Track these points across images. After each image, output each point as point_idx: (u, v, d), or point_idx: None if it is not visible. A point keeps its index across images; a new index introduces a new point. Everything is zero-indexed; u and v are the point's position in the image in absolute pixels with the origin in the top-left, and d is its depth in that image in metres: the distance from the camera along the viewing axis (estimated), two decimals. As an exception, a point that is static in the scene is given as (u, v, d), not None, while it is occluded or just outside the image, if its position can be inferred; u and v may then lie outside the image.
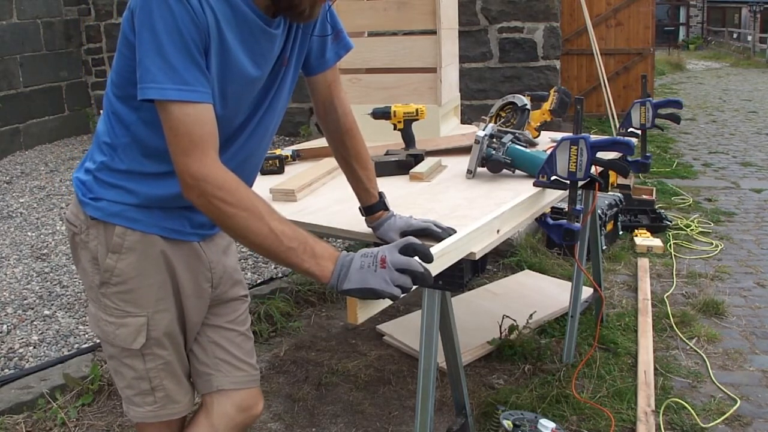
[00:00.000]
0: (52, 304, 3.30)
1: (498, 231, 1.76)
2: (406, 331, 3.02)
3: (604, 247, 3.99)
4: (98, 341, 2.85)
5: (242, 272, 3.65)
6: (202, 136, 1.21)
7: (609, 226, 4.19)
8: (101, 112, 1.43)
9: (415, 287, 1.24)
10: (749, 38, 21.34)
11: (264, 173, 2.50)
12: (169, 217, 1.40)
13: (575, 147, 2.01)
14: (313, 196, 2.20)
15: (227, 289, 1.60)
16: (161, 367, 1.47)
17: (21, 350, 2.85)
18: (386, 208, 1.72)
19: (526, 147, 2.33)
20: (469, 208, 1.97)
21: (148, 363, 1.45)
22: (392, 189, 2.00)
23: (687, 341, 3.00)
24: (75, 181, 1.45)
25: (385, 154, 2.54)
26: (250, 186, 1.48)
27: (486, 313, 3.15)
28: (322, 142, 2.79)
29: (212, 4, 1.23)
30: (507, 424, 2.18)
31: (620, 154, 2.39)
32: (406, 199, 2.09)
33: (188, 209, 1.40)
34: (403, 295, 1.23)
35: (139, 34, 1.20)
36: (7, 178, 5.75)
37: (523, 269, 3.78)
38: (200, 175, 1.20)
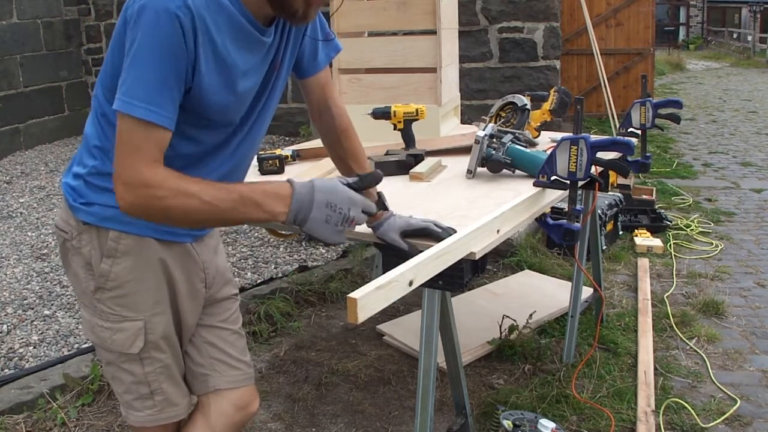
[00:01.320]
0: (52, 304, 3.30)
1: (498, 231, 1.76)
2: (406, 331, 3.02)
3: (604, 247, 3.99)
4: (98, 341, 2.85)
5: (242, 272, 3.67)
6: (143, 151, 1.21)
7: (609, 226, 4.19)
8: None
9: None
10: (749, 38, 21.34)
11: (264, 173, 2.50)
12: None
13: (575, 147, 2.01)
14: (313, 196, 2.19)
15: (219, 289, 1.61)
16: (160, 371, 1.47)
17: (21, 350, 2.85)
18: (385, 208, 1.72)
19: (526, 147, 2.33)
20: (469, 208, 1.97)
21: (147, 367, 1.45)
22: (392, 189, 1.99)
23: (687, 341, 3.00)
24: (64, 186, 1.44)
25: (385, 154, 2.54)
26: None
27: (486, 313, 3.15)
28: (321, 142, 2.79)
29: (207, 16, 1.22)
30: (507, 424, 2.18)
31: (620, 154, 2.39)
32: (406, 199, 2.09)
33: None
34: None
35: (128, 45, 1.21)
36: (7, 178, 5.75)
37: (523, 269, 3.78)
38: (129, 181, 1.20)
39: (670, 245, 4.20)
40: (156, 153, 1.22)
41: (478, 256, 1.62)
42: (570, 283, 2.84)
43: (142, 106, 1.19)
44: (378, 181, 1.39)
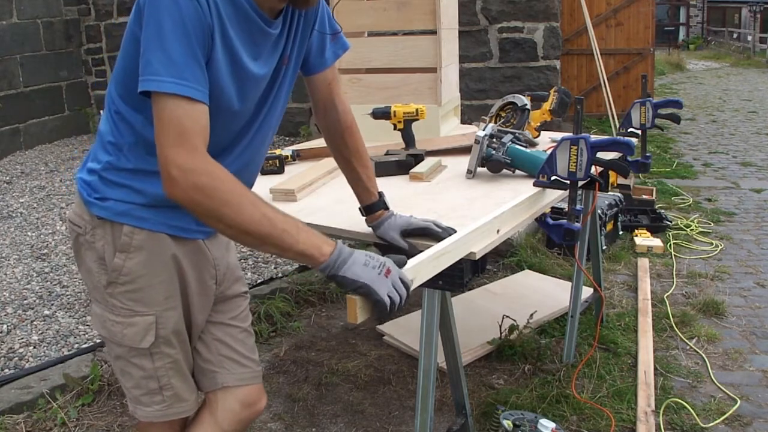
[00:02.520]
0: (52, 304, 3.30)
1: (498, 231, 1.76)
2: (406, 331, 3.02)
3: (604, 247, 3.99)
4: (98, 341, 2.85)
5: (242, 272, 3.66)
6: (193, 130, 1.19)
7: (609, 226, 4.19)
8: (101, 111, 1.43)
9: (396, 304, 1.27)
10: (749, 38, 21.34)
11: (264, 173, 2.50)
12: (176, 215, 1.40)
13: (575, 147, 2.01)
14: (313, 196, 2.20)
15: (229, 286, 1.61)
16: (169, 366, 1.47)
17: (21, 350, 2.85)
18: (386, 207, 1.72)
19: (526, 147, 2.33)
20: (469, 208, 1.97)
21: (157, 362, 1.45)
22: (392, 189, 2.00)
23: (687, 341, 3.00)
24: (79, 181, 1.44)
25: (385, 154, 2.54)
26: (251, 188, 1.49)
27: (486, 313, 3.15)
28: (322, 142, 2.79)
29: (220, 6, 1.23)
30: (507, 424, 2.18)
31: (620, 154, 2.39)
32: (406, 199, 2.09)
33: None
34: (388, 309, 1.25)
35: (145, 28, 1.20)
36: (7, 178, 5.75)
37: (523, 269, 3.78)
38: (188, 166, 1.17)
39: (670, 245, 4.20)
40: (204, 135, 1.20)
41: (478, 256, 1.62)
42: (570, 283, 2.84)
43: (172, 81, 1.17)
44: (402, 264, 1.35)
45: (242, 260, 3.80)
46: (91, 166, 1.42)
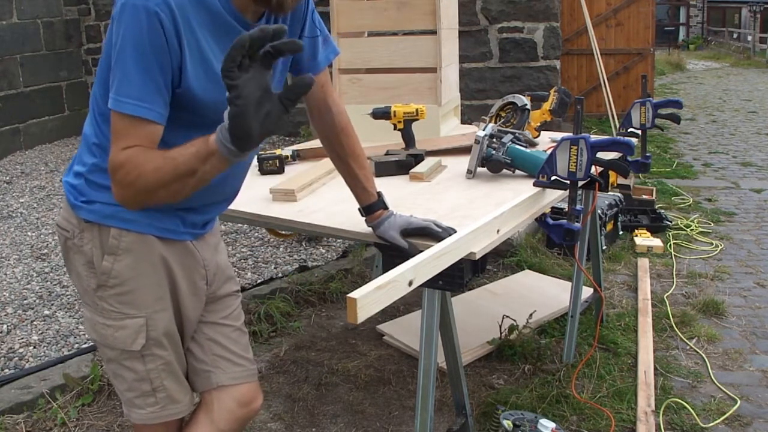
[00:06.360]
0: (52, 304, 3.30)
1: (498, 231, 1.76)
2: (406, 331, 3.02)
3: (604, 247, 3.99)
4: (98, 341, 2.85)
5: (242, 272, 3.67)
6: (129, 137, 1.22)
7: (609, 226, 4.19)
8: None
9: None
10: (749, 38, 21.34)
11: (264, 173, 2.50)
12: (163, 217, 1.40)
13: (575, 147, 2.02)
14: (313, 196, 2.20)
15: (220, 286, 1.62)
16: (162, 368, 1.47)
17: (21, 350, 2.85)
18: (385, 207, 1.72)
19: (526, 147, 2.34)
20: (469, 208, 1.97)
21: (149, 364, 1.45)
22: (392, 189, 2.00)
23: (687, 341, 3.00)
24: (65, 185, 1.44)
25: (385, 154, 2.54)
26: (236, 193, 1.55)
27: (486, 313, 3.14)
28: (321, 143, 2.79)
29: (189, 13, 1.23)
30: (507, 424, 2.18)
31: (620, 154, 2.39)
32: (406, 199, 2.09)
33: (181, 209, 1.42)
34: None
35: (114, 42, 1.22)
36: (7, 178, 5.75)
37: (523, 269, 3.78)
38: (111, 166, 1.23)
39: (670, 245, 4.20)
40: (141, 141, 1.23)
41: (478, 256, 1.63)
42: (570, 283, 2.84)
43: (131, 103, 1.21)
44: (309, 85, 1.10)
45: (242, 260, 3.80)
46: (78, 170, 1.42)
